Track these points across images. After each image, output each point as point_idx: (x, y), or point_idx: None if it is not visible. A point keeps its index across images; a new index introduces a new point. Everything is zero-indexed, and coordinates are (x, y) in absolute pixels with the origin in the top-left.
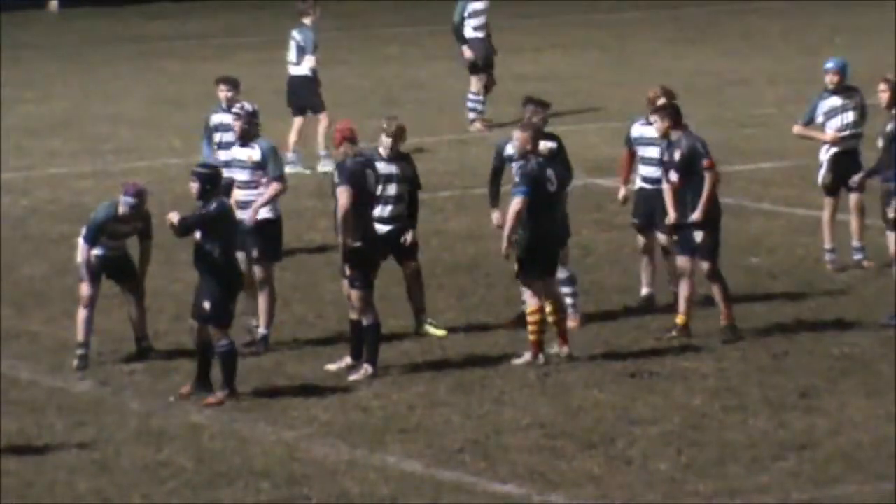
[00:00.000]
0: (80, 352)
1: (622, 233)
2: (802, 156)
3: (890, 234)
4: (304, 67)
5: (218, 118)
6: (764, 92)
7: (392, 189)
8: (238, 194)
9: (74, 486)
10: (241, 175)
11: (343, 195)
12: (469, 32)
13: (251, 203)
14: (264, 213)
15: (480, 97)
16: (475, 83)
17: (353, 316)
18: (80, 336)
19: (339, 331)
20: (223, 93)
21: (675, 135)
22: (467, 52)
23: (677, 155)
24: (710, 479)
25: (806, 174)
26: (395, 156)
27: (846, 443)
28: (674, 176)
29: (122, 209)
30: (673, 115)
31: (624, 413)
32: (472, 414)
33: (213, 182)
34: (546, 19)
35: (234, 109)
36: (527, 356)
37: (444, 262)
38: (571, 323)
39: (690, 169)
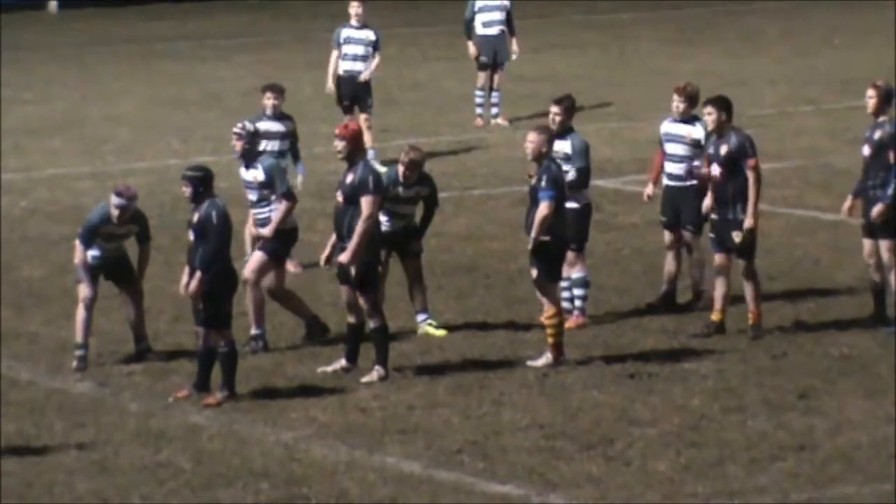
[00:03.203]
0: (78, 353)
1: (621, 233)
2: (801, 156)
3: (876, 242)
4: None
5: (262, 126)
6: (763, 93)
7: (405, 209)
8: (253, 213)
9: (73, 487)
10: (250, 195)
11: (375, 205)
12: (479, 29)
13: (266, 220)
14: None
15: (484, 93)
16: (481, 79)
17: (351, 319)
18: (78, 337)
19: (338, 332)
20: (270, 100)
21: (725, 128)
22: (471, 49)
23: (723, 150)
24: (709, 480)
25: (804, 175)
26: (414, 182)
27: (845, 444)
28: (716, 170)
29: (112, 210)
30: (727, 107)
31: (623, 414)
32: (470, 415)
33: (204, 184)
34: (544, 19)
35: (235, 129)
36: (547, 357)
37: (442, 263)
38: (570, 324)
39: (735, 166)
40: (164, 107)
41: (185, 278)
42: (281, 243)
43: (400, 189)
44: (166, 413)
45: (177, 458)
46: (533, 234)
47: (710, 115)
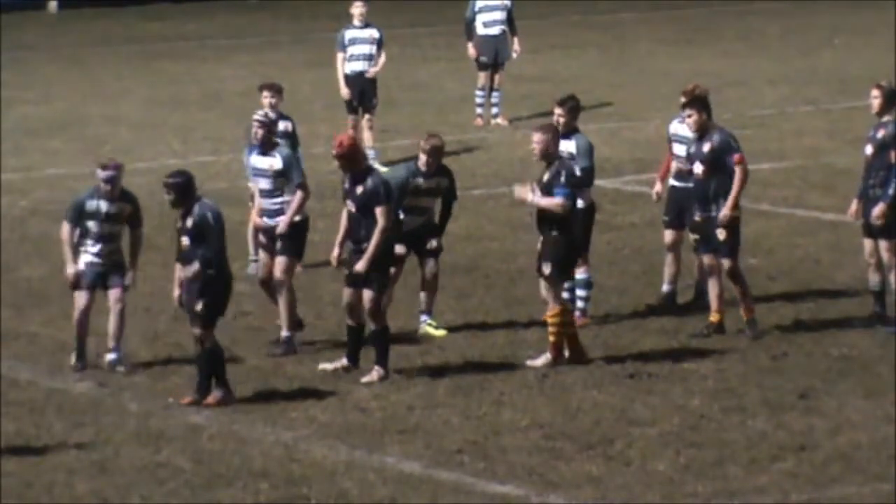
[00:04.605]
0: (76, 354)
1: (621, 233)
2: (801, 157)
3: (876, 242)
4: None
5: None
6: (763, 93)
7: (425, 202)
8: (262, 203)
9: (73, 487)
10: (263, 184)
11: (390, 214)
12: (480, 29)
13: (277, 211)
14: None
15: (484, 93)
16: (482, 79)
17: (351, 322)
18: (76, 340)
19: (338, 332)
20: (267, 99)
21: (707, 127)
22: (471, 50)
23: (706, 147)
24: (709, 480)
25: (805, 175)
26: (434, 171)
27: (845, 444)
28: (699, 168)
29: (102, 186)
30: (707, 107)
31: (623, 414)
32: (470, 415)
33: (188, 188)
34: (544, 20)
35: (256, 117)
36: (546, 357)
37: (442, 263)
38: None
39: (718, 163)
40: (164, 107)
41: (177, 290)
42: (299, 237)
43: (420, 180)
44: (166, 413)
45: (177, 458)
46: (539, 201)
47: (690, 118)
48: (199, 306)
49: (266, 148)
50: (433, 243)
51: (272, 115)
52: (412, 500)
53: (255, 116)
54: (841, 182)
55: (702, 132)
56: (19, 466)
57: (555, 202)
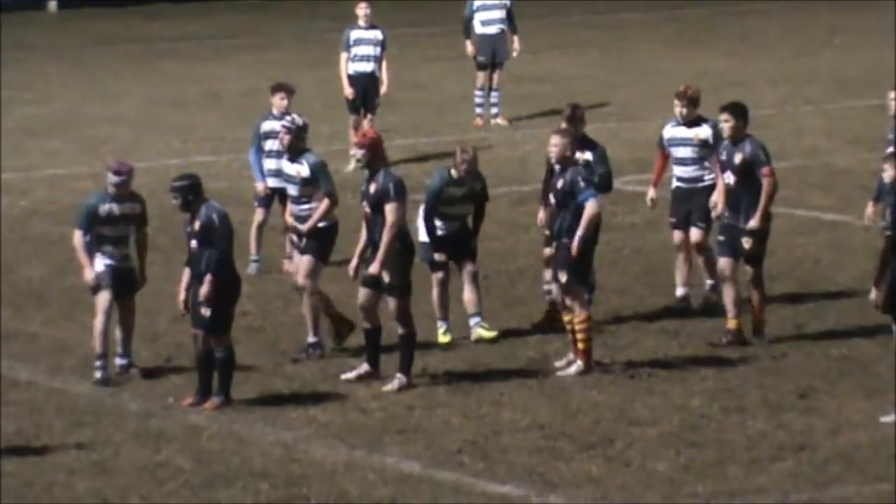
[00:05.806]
0: (99, 363)
1: (621, 234)
2: (801, 157)
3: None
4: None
5: (269, 125)
6: (763, 93)
7: (461, 209)
8: (292, 209)
9: (73, 487)
10: (290, 190)
11: (399, 211)
12: (478, 28)
13: (305, 217)
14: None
15: (483, 93)
16: (481, 78)
17: (367, 325)
18: (98, 348)
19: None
20: (284, 101)
21: (741, 135)
22: (469, 48)
23: (738, 158)
24: (709, 480)
25: (805, 175)
26: (467, 178)
27: (845, 444)
28: (730, 178)
29: (111, 189)
30: (744, 114)
31: (622, 414)
32: (470, 415)
33: (193, 191)
34: (544, 20)
35: (284, 123)
36: (579, 365)
37: None
38: None
39: (749, 174)
40: (164, 107)
41: (181, 294)
42: (325, 242)
43: (454, 189)
44: (166, 413)
45: (176, 458)
46: (580, 232)
47: (726, 123)
48: (207, 312)
49: (294, 154)
50: (469, 266)
51: (299, 120)
52: (412, 500)
53: (283, 123)
54: (841, 182)
55: (736, 139)
56: (19, 466)
57: (591, 214)
